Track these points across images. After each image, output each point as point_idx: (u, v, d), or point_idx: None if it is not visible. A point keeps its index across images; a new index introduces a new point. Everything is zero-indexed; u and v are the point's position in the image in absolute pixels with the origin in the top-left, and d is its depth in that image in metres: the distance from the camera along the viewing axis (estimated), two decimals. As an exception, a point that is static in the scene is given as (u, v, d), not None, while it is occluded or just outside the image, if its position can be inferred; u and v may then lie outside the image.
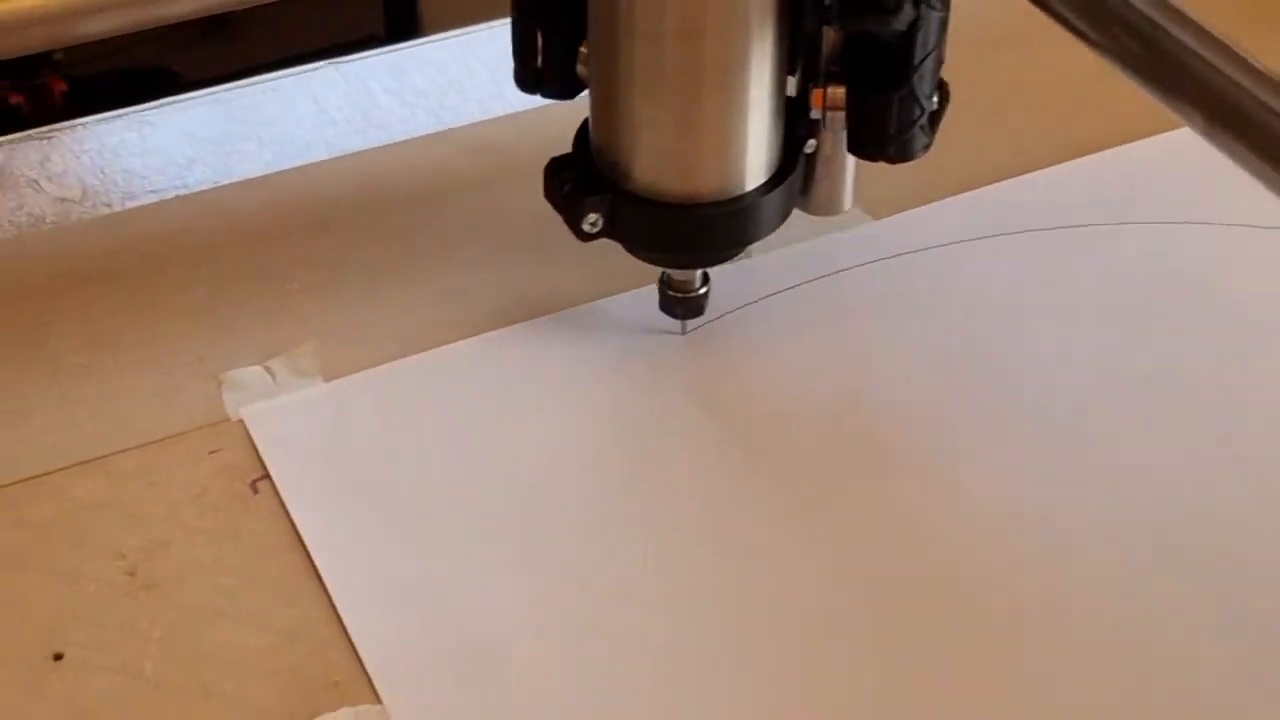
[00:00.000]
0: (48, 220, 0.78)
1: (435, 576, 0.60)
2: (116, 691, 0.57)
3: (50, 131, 0.83)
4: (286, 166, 0.80)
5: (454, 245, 0.75)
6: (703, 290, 0.69)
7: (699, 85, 0.62)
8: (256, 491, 0.64)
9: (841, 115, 0.64)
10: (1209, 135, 0.54)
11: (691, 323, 0.70)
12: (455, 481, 0.64)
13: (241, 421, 0.66)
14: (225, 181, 0.79)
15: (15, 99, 1.43)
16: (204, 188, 0.79)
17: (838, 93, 0.63)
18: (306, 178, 0.79)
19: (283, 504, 0.63)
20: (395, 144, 0.81)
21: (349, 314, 0.71)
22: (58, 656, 0.58)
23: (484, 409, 0.66)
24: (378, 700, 0.57)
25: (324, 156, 0.80)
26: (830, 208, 0.68)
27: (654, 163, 0.64)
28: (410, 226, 0.76)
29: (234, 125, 0.82)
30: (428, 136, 0.81)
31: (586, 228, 0.64)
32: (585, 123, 0.66)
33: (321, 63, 0.85)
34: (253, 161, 0.81)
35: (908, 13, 0.60)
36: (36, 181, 0.81)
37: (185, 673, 0.58)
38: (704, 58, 0.62)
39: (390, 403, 0.67)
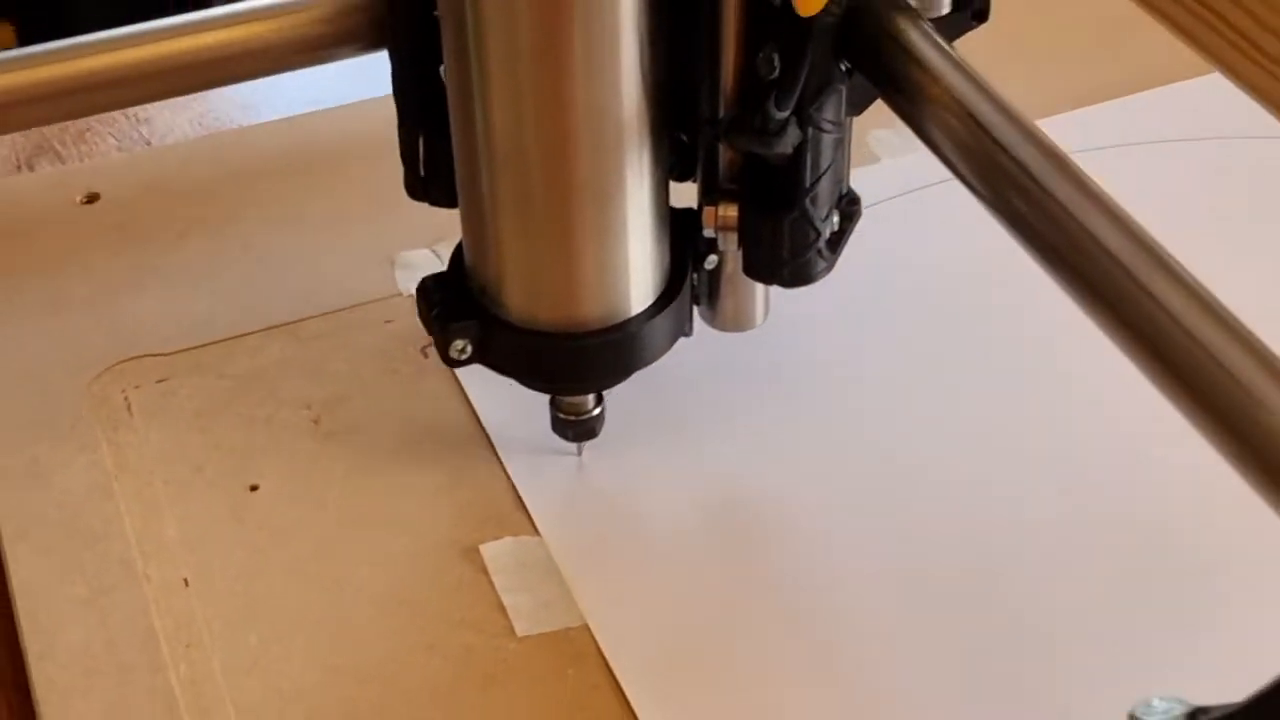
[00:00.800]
0: (235, 123, 0.86)
1: None
2: (304, 518, 0.64)
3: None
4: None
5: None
6: (596, 411, 0.64)
7: (568, 207, 0.57)
8: (426, 356, 0.71)
9: (734, 235, 0.60)
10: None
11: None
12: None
13: (413, 296, 0.73)
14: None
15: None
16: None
17: (729, 212, 0.60)
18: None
19: None
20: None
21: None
22: (253, 488, 0.66)
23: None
24: (536, 532, 0.63)
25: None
26: (739, 323, 0.65)
27: (524, 288, 0.60)
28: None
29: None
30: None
31: (454, 354, 0.61)
32: (459, 243, 0.63)
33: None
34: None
35: (792, 135, 0.56)
36: (225, 90, 0.88)
37: (364, 505, 0.65)
38: (573, 178, 0.57)
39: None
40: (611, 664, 0.59)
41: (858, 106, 0.59)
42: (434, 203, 0.63)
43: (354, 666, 0.59)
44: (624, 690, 0.58)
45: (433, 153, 0.61)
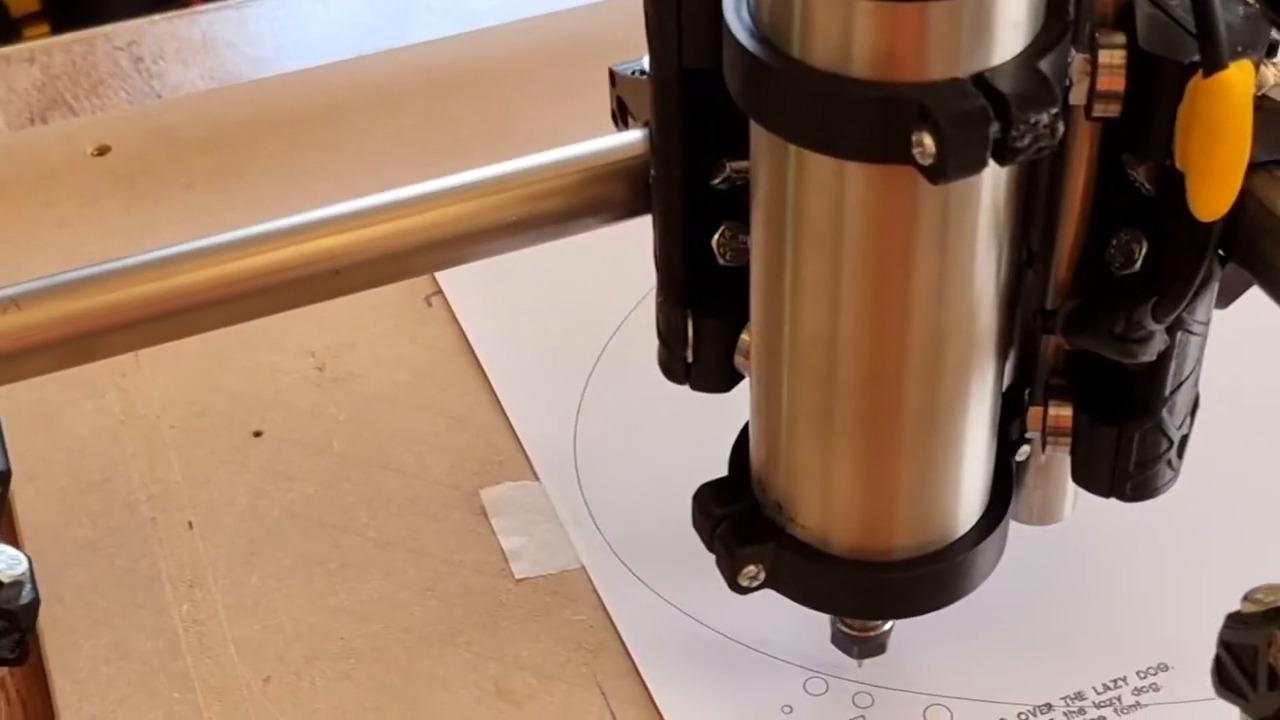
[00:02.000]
0: (245, 77, 0.87)
1: (583, 372, 0.68)
2: (309, 462, 0.65)
3: (246, 1, 0.92)
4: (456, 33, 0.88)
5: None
6: (887, 626, 0.55)
7: (893, 438, 0.48)
8: (430, 305, 0.71)
9: (1062, 437, 0.50)
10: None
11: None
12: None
13: (417, 246, 0.74)
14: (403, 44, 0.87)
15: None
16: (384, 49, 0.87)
17: (1062, 415, 0.49)
18: (477, 41, 0.87)
19: (453, 315, 0.71)
20: (562, 12, 0.88)
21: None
22: (258, 434, 0.66)
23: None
24: (535, 477, 0.64)
25: (493, 23, 0.88)
26: (1046, 517, 0.55)
27: (832, 514, 0.50)
28: (567, 82, 0.83)
29: (411, -2, 0.89)
30: (584, 8, 0.88)
31: (745, 582, 0.51)
32: (744, 432, 0.53)
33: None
34: (426, 30, 0.89)
35: (1159, 342, 0.46)
36: (235, 44, 0.90)
37: (367, 449, 0.65)
38: (901, 405, 0.47)
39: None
40: (608, 606, 0.59)
41: (1226, 300, 0.48)
42: (699, 388, 0.54)
43: (353, 607, 0.60)
44: (620, 632, 0.58)
45: (704, 336, 0.52)
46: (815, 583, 0.52)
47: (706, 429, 0.63)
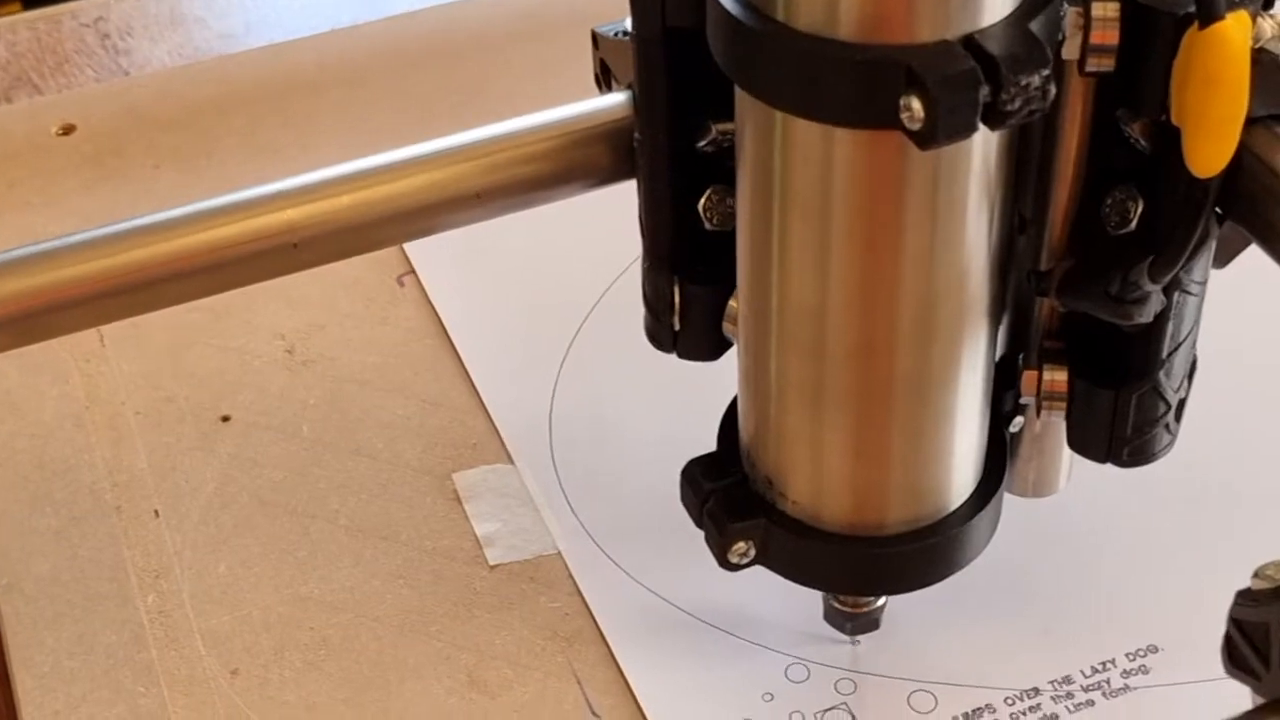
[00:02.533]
0: (214, 53, 0.85)
1: (558, 353, 0.66)
2: (278, 448, 0.64)
3: (215, -24, 0.90)
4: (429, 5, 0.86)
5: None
6: (880, 602, 0.54)
7: (885, 409, 0.46)
8: (402, 285, 0.70)
9: (1057, 402, 0.49)
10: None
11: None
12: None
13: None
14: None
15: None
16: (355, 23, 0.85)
17: (1056, 379, 0.48)
18: (450, 13, 0.85)
19: (426, 296, 0.69)
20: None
21: (487, 134, 0.77)
22: (225, 419, 0.65)
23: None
24: (510, 461, 0.62)
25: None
26: (1040, 489, 0.54)
27: (824, 488, 0.49)
28: (543, 55, 0.81)
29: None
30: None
31: (734, 559, 0.50)
32: (734, 405, 0.52)
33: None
34: (399, 2, 0.87)
35: (1155, 303, 0.45)
36: (204, 19, 0.88)
37: (338, 433, 0.64)
38: (893, 375, 0.46)
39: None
40: (584, 593, 0.58)
41: (1224, 259, 0.47)
42: (686, 356, 0.52)
43: (323, 596, 0.58)
44: (597, 619, 0.57)
45: (691, 303, 0.51)
46: (807, 559, 0.50)
47: (686, 410, 0.61)
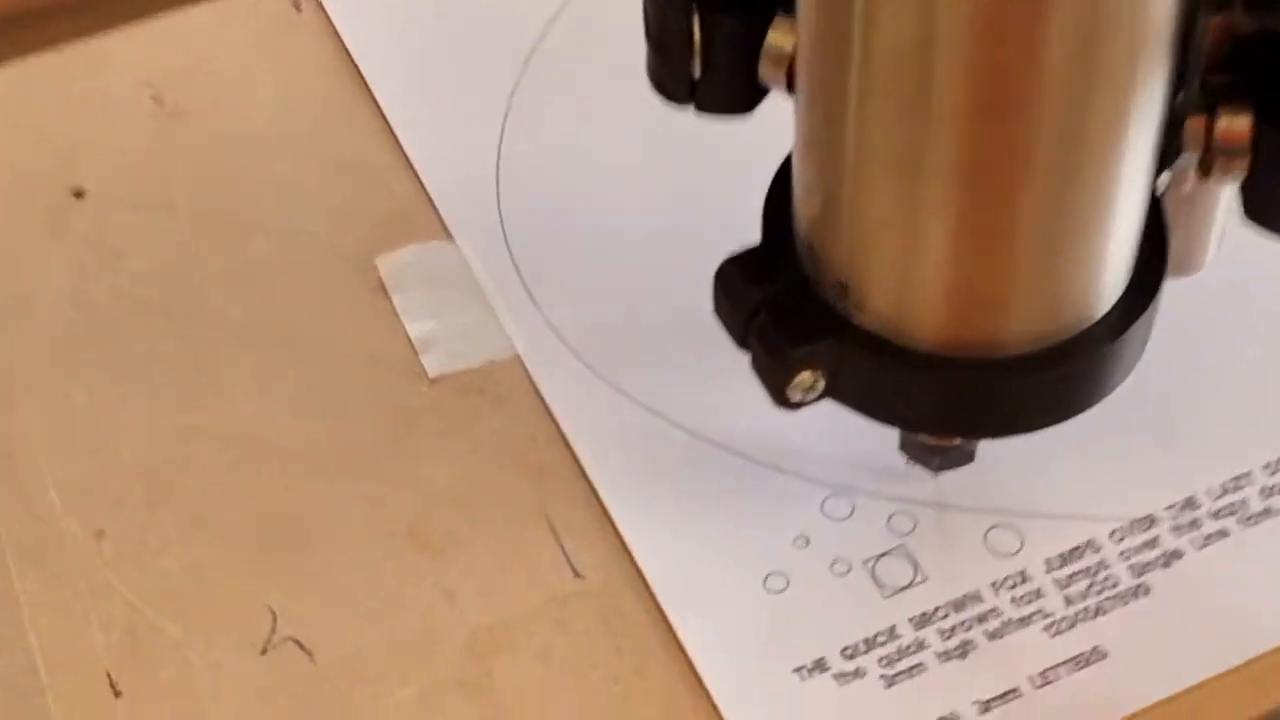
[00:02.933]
0: None
1: (503, 92, 0.56)
2: (146, 228, 0.54)
3: None
4: None
5: None
6: None
7: (1017, 183, 0.37)
8: (299, 10, 0.60)
9: (1237, 158, 0.39)
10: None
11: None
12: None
13: None
14: None
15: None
16: None
17: (1238, 124, 0.39)
18: None
19: (330, 21, 0.59)
20: None
21: None
22: (78, 194, 0.55)
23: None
24: (448, 237, 0.52)
25: None
26: (1183, 266, 0.45)
27: (921, 295, 0.40)
28: None
29: None
30: None
31: (797, 396, 0.41)
32: (780, 176, 0.42)
33: None
34: None
35: None
36: None
37: (225, 207, 0.54)
38: (1031, 135, 0.36)
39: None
40: (554, 411, 0.48)
41: None
42: (706, 109, 0.42)
43: (210, 426, 0.48)
44: (572, 446, 0.47)
45: (716, 38, 0.41)
46: (894, 391, 0.41)
47: (680, 164, 0.54)
